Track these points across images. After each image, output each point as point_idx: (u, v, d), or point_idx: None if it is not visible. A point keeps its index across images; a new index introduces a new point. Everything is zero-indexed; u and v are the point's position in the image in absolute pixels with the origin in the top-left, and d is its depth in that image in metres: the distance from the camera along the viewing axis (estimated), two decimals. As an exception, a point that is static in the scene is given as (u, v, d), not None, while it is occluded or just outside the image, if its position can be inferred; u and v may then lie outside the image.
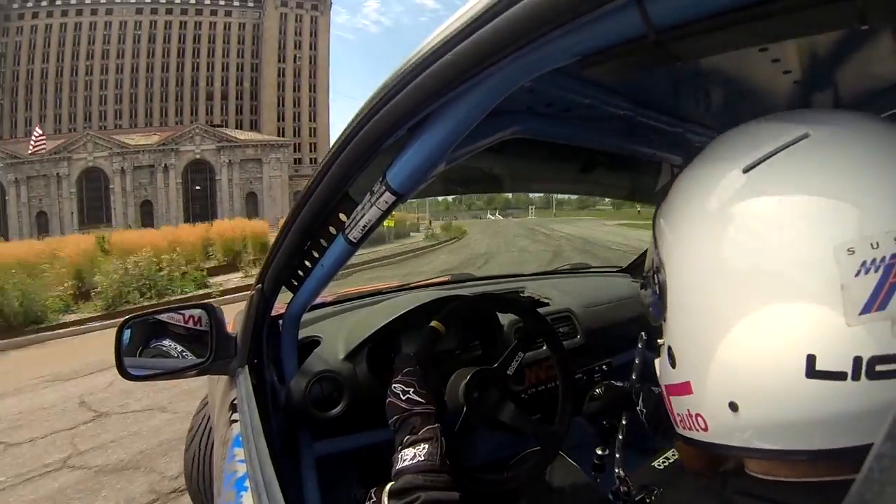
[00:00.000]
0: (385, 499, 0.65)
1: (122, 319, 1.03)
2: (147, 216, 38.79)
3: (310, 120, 53.36)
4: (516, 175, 1.18)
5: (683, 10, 0.35)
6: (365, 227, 0.67)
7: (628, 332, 1.40)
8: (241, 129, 48.83)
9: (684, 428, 0.43)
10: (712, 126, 0.85)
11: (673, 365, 0.42)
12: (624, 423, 0.87)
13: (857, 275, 0.30)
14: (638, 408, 0.81)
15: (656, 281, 0.42)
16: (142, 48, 49.74)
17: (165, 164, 42.36)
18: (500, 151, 0.71)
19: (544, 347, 1.19)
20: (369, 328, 1.05)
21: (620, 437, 0.85)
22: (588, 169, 0.96)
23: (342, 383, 0.97)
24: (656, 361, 0.48)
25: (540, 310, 1.19)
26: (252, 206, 42.61)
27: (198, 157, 42.82)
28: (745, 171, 0.36)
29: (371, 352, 1.04)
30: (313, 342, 1.06)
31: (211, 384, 1.56)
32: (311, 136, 53.31)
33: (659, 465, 0.84)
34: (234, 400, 0.90)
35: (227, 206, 41.22)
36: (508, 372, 0.89)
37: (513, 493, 0.91)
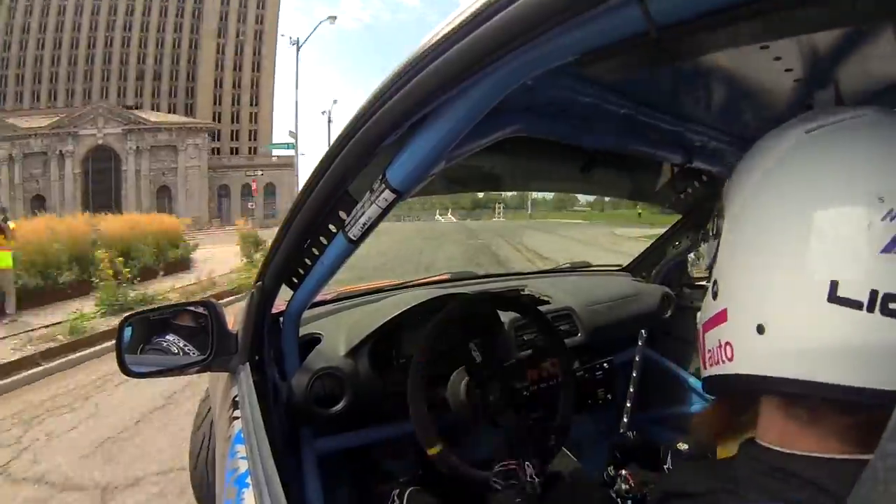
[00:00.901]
0: None
1: (123, 316, 1.04)
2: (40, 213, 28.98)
3: (251, 104, 47.31)
4: (516, 174, 1.18)
5: (685, 8, 0.35)
6: (365, 224, 0.67)
7: (629, 330, 1.41)
8: (174, 112, 41.94)
9: (712, 364, 0.46)
10: (713, 125, 0.84)
11: (714, 297, 0.46)
12: (626, 420, 0.87)
13: (882, 219, 0.35)
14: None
15: (715, 226, 0.48)
16: (66, 21, 42.24)
17: (61, 151, 34.34)
18: (500, 150, 0.71)
19: (546, 345, 1.20)
20: (371, 325, 1.06)
21: (623, 430, 0.85)
22: (588, 168, 0.96)
23: (344, 380, 0.97)
24: (699, 315, 0.53)
25: (541, 308, 1.19)
26: (165, 201, 34.86)
27: (100, 142, 35.10)
28: (807, 132, 0.41)
29: (373, 349, 1.04)
30: (314, 339, 1.06)
31: (212, 380, 1.56)
32: (251, 121, 46.96)
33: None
34: (235, 397, 0.91)
35: (134, 202, 33.43)
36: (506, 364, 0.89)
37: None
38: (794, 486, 0.37)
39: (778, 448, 0.41)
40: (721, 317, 0.44)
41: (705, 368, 0.49)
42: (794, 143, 0.42)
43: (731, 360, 0.43)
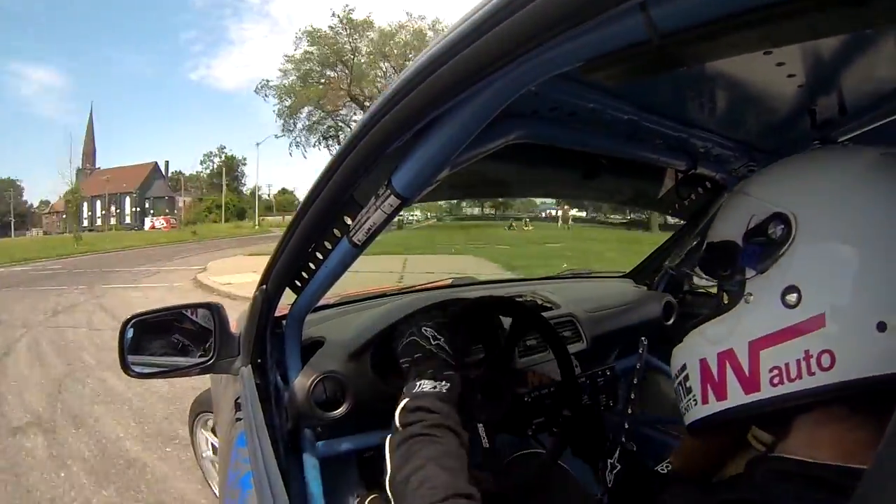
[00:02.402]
0: (397, 416, 0.66)
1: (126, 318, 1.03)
2: None
3: None
4: (520, 180, 1.18)
5: (687, 15, 0.35)
6: (370, 230, 0.67)
7: (631, 337, 1.41)
8: None
9: (778, 383, 0.44)
10: (716, 130, 0.84)
11: (794, 304, 0.44)
12: (626, 427, 0.87)
13: None
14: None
15: (764, 232, 0.47)
16: None
17: None
18: (505, 156, 0.71)
19: (548, 351, 1.19)
20: (373, 329, 1.06)
21: (624, 440, 0.85)
22: (591, 174, 0.96)
23: (346, 383, 0.97)
24: (715, 326, 0.50)
25: (544, 314, 1.19)
26: None
27: None
28: (882, 154, 0.45)
29: (375, 353, 1.04)
30: (317, 343, 1.07)
31: (214, 382, 1.56)
32: None
33: (662, 470, 0.84)
34: (237, 399, 0.91)
35: None
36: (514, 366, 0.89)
37: (510, 494, 0.91)
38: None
39: (812, 460, 0.41)
40: (813, 323, 0.42)
41: (756, 390, 0.45)
42: (872, 162, 0.45)
43: (828, 368, 0.41)
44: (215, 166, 53.60)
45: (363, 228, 0.67)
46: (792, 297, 0.44)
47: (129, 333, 1.02)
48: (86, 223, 49.76)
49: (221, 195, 48.48)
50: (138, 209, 51.74)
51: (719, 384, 0.48)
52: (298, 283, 0.84)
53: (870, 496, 0.22)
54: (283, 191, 60.09)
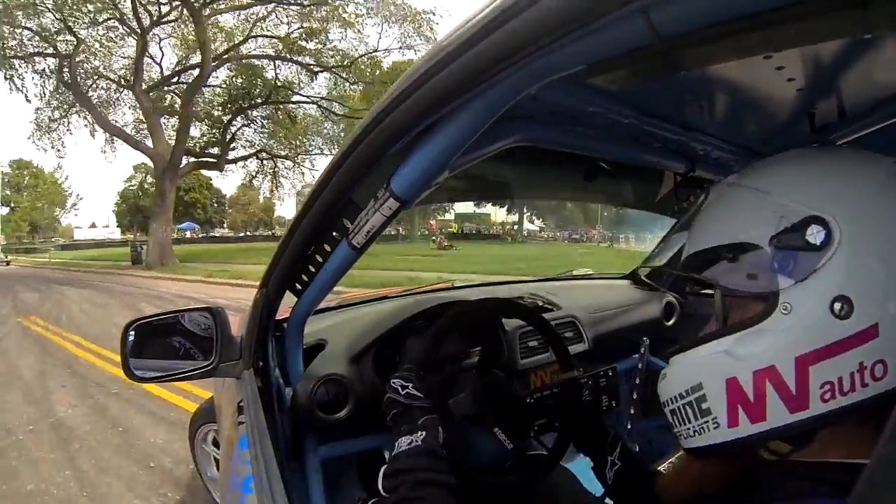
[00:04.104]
0: (380, 479, 0.66)
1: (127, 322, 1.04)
2: None
3: None
4: (520, 183, 1.18)
5: (688, 19, 0.35)
6: (369, 232, 0.67)
7: (632, 337, 1.41)
8: None
9: (830, 398, 0.41)
10: (716, 134, 0.84)
11: (845, 315, 0.41)
12: (629, 427, 0.87)
13: None
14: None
15: (800, 237, 0.44)
16: None
17: None
18: (504, 159, 0.71)
19: (549, 353, 1.19)
20: (375, 332, 1.06)
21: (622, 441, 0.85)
22: (591, 177, 0.96)
23: (347, 386, 0.97)
24: (746, 341, 0.46)
25: (545, 315, 1.19)
26: None
27: None
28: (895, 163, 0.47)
29: (377, 355, 1.04)
30: (318, 345, 1.07)
31: (216, 386, 1.56)
32: None
33: (665, 470, 0.84)
34: (240, 402, 0.91)
35: None
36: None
37: (512, 496, 0.91)
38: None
39: (818, 460, 0.42)
40: (866, 335, 0.41)
41: (799, 410, 0.42)
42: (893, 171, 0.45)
43: (881, 378, 0.40)
44: None
45: (362, 231, 0.67)
46: (842, 308, 0.41)
47: (131, 337, 1.02)
48: None
49: None
50: None
51: (756, 405, 0.44)
52: (299, 286, 0.84)
53: (870, 491, 0.22)
54: None
